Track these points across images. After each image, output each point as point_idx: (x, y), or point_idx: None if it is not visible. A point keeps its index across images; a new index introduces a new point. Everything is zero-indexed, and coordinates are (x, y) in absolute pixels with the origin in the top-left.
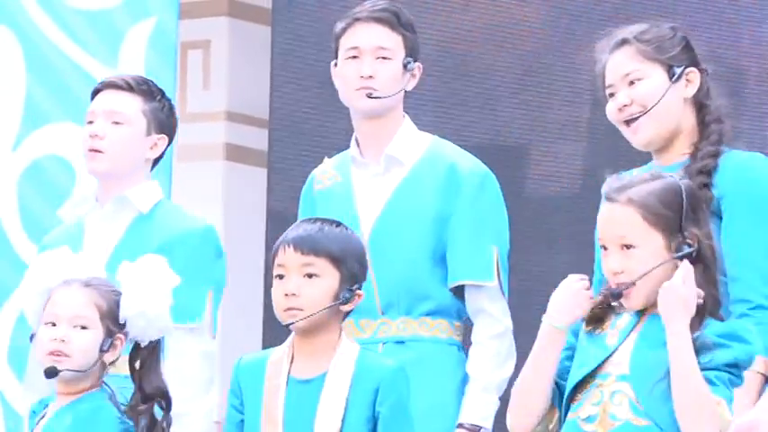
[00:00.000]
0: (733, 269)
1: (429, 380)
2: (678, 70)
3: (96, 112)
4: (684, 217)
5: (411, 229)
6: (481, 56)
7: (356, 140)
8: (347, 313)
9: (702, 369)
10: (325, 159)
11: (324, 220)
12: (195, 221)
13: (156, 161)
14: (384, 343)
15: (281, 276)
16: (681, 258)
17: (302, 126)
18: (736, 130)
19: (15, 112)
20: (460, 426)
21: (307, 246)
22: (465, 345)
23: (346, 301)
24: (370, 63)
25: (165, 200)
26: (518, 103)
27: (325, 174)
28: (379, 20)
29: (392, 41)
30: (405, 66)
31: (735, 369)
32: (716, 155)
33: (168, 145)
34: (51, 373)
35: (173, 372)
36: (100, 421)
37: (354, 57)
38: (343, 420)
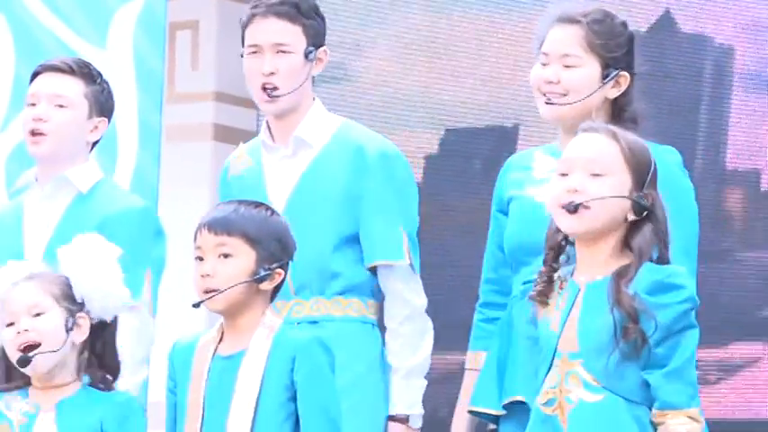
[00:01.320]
0: None
1: (343, 359)
2: (612, 73)
3: (38, 94)
4: (650, 179)
5: (320, 210)
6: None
7: (267, 124)
8: (274, 293)
9: (660, 362)
10: (240, 144)
11: (241, 202)
12: (134, 201)
13: (95, 143)
14: (298, 323)
15: (200, 258)
16: (635, 210)
17: None
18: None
19: (3, 94)
20: (392, 418)
21: (220, 226)
22: (381, 322)
23: (261, 280)
24: (270, 59)
25: (104, 180)
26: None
27: (238, 159)
28: (277, 14)
29: (291, 35)
30: (306, 56)
31: (683, 319)
32: None
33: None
34: (24, 361)
35: None
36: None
37: (255, 53)
38: (259, 392)
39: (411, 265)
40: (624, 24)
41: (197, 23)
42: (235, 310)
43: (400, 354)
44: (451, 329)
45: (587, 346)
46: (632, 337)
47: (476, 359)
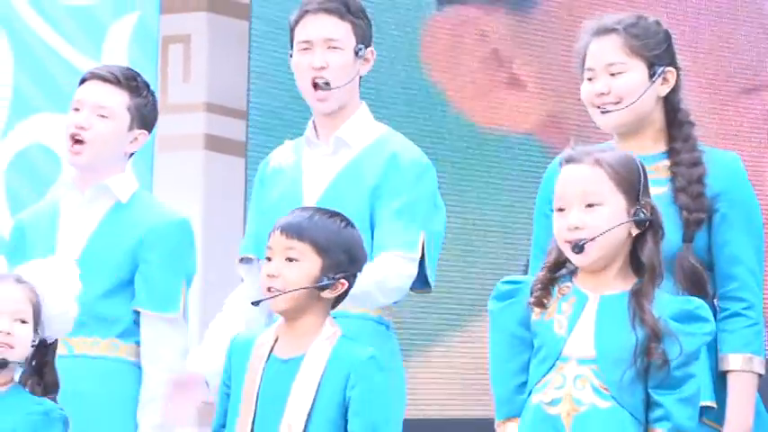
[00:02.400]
0: (728, 267)
1: None
2: (659, 70)
3: (83, 101)
4: (642, 188)
5: (351, 209)
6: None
7: (313, 122)
8: (336, 302)
9: (676, 383)
10: (286, 141)
11: (318, 209)
12: (173, 213)
13: (132, 153)
14: None
15: (269, 259)
16: (637, 223)
17: (278, 116)
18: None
19: (3, 103)
20: None
21: (292, 230)
22: (393, 326)
23: (323, 288)
24: (321, 54)
25: (140, 190)
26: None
27: (282, 154)
28: (327, 11)
29: (341, 31)
30: (356, 53)
31: (700, 350)
32: (700, 161)
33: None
34: (2, 364)
35: (153, 358)
36: (53, 424)
37: (306, 49)
38: (313, 402)
39: (423, 259)
40: (658, 23)
41: (189, 37)
42: (295, 314)
43: (372, 276)
44: None
45: (605, 356)
46: (654, 358)
47: None
